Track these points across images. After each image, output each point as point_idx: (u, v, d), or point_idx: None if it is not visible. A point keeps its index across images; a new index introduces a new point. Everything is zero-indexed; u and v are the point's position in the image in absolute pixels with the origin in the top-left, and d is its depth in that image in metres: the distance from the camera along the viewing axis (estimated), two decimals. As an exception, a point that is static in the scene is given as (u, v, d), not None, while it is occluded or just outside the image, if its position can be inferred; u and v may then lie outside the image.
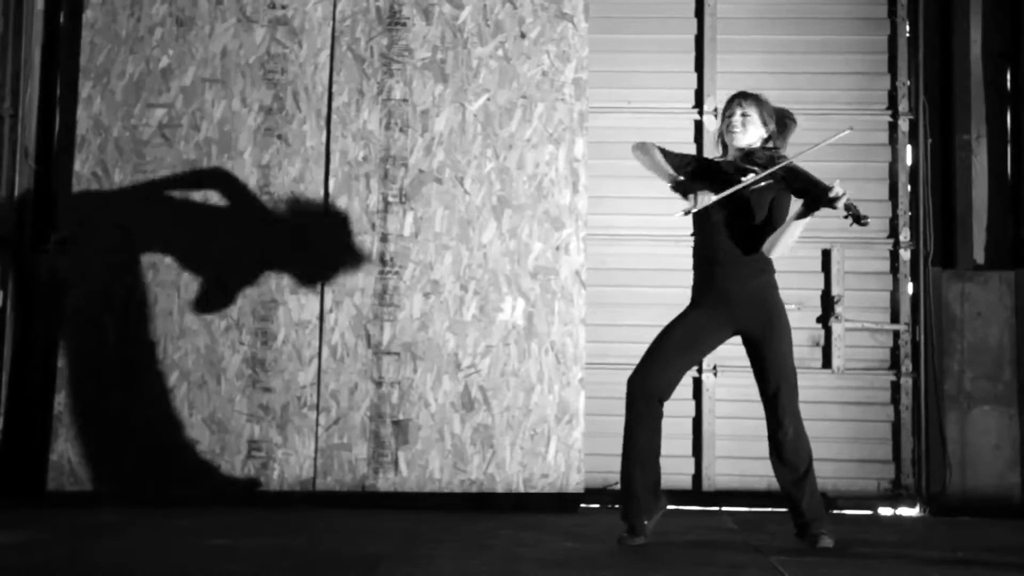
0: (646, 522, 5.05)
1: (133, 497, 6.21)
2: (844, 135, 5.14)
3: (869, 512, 6.58)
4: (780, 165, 4.91)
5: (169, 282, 6.43)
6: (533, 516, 6.03)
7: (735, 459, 6.71)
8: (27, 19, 6.97)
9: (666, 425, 6.64)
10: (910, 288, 6.81)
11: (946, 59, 6.94)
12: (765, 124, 5.16)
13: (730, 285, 5.07)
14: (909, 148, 6.89)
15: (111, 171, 6.52)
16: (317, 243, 6.46)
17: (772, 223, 5.05)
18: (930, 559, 4.90)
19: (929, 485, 6.60)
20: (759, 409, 5.24)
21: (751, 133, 5.15)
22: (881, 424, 6.75)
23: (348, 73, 6.60)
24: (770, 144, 5.14)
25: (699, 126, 6.90)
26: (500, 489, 6.26)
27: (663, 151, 5.20)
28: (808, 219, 4.96)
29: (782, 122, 5.23)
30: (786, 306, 5.14)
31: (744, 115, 5.16)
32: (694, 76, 7.00)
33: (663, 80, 6.99)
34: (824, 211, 6.71)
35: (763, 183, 4.97)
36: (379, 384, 6.37)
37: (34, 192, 6.93)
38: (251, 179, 6.51)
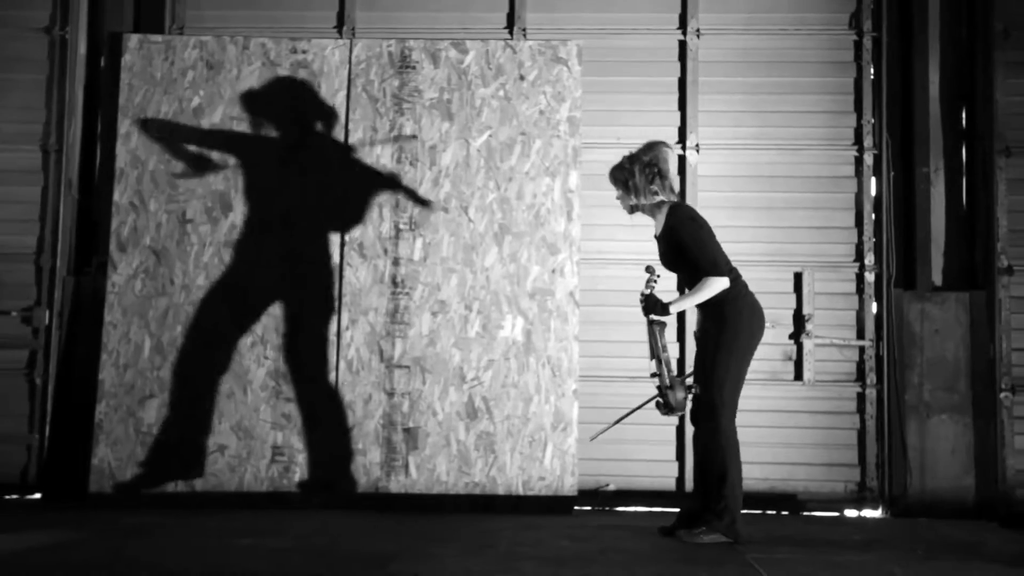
0: None
1: (167, 499, 6.23)
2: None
3: (836, 514, 6.58)
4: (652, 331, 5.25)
5: (199, 302, 6.45)
6: (532, 517, 6.04)
7: (715, 463, 6.70)
8: (71, 62, 7.00)
9: (651, 432, 6.74)
10: (874, 308, 6.81)
11: (907, 99, 6.95)
12: (634, 188, 5.29)
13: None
14: (873, 180, 6.90)
15: (147, 201, 6.55)
16: (334, 267, 6.47)
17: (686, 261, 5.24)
18: (892, 557, 4.91)
19: (892, 487, 6.60)
20: (739, 418, 5.29)
21: (627, 200, 5.36)
22: (848, 432, 6.74)
23: (363, 112, 6.62)
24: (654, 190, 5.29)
25: (682, 160, 6.91)
26: (501, 491, 6.27)
27: None
28: (676, 307, 5.23)
29: (652, 160, 5.30)
30: (764, 325, 5.30)
31: (617, 195, 5.42)
32: (677, 114, 7.00)
33: (649, 118, 6.99)
34: (796, 238, 6.83)
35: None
36: (391, 395, 6.38)
37: (77, 220, 6.94)
38: (274, 208, 6.53)
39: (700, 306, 5.22)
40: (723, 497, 5.06)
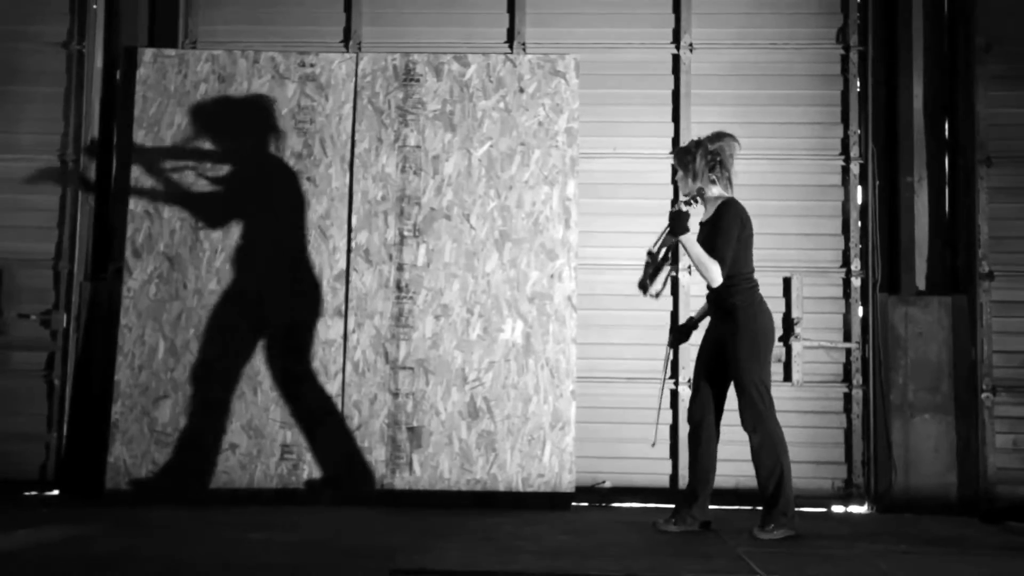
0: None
1: (180, 495, 6.29)
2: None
3: (824, 509, 6.65)
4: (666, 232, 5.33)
5: (211, 306, 6.52)
6: (531, 512, 6.10)
7: (707, 461, 6.76)
8: (87, 76, 7.08)
9: (647, 431, 6.75)
10: (860, 311, 6.88)
11: (892, 111, 7.01)
12: (693, 172, 5.35)
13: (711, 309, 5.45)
14: (859, 189, 6.97)
15: (160, 209, 6.62)
16: (341, 272, 6.54)
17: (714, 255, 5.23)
18: (878, 551, 4.96)
19: (877, 484, 6.66)
20: (728, 417, 5.37)
21: (686, 185, 5.40)
22: (835, 431, 6.82)
23: (369, 123, 6.70)
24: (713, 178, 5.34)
25: (675, 169, 6.95)
26: (502, 488, 6.34)
27: None
28: (688, 240, 5.23)
29: (716, 150, 5.34)
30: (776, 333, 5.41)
31: (675, 174, 5.49)
32: (671, 126, 7.08)
33: (644, 129, 7.07)
34: (787, 245, 6.89)
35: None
36: (396, 395, 6.45)
37: (94, 227, 7.02)
38: (282, 215, 6.60)
39: (715, 311, 5.32)
40: (783, 495, 5.13)
